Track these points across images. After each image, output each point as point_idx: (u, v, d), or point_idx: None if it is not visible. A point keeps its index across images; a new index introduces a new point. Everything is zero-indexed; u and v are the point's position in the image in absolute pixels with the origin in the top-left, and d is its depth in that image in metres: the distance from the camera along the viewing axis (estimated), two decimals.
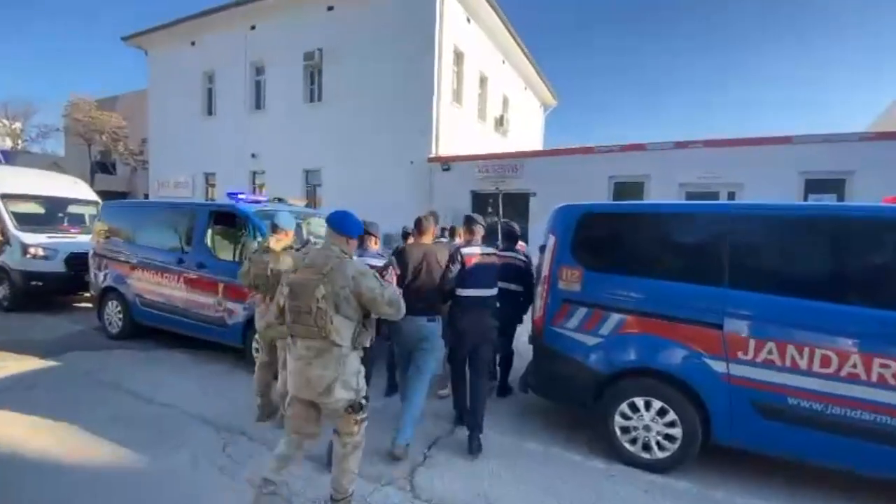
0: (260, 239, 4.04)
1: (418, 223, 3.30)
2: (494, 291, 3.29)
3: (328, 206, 13.11)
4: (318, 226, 5.86)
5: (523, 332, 4.10)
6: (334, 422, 2.19)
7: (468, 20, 13.62)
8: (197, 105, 16.68)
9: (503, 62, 16.48)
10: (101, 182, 23.84)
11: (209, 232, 5.02)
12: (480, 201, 11.50)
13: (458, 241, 4.57)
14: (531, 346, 3.64)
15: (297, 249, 3.50)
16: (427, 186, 12.12)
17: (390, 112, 12.59)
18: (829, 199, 8.52)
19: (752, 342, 2.78)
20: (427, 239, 3.27)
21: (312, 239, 4.11)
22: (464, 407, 3.31)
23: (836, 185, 8.75)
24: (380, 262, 3.31)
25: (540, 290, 3.41)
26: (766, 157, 9.01)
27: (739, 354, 2.80)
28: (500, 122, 16.05)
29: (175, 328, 5.27)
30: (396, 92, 12.49)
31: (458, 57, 13.50)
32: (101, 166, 25.06)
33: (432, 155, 12.04)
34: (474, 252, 3.22)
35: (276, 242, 3.33)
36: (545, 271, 3.37)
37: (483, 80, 15.22)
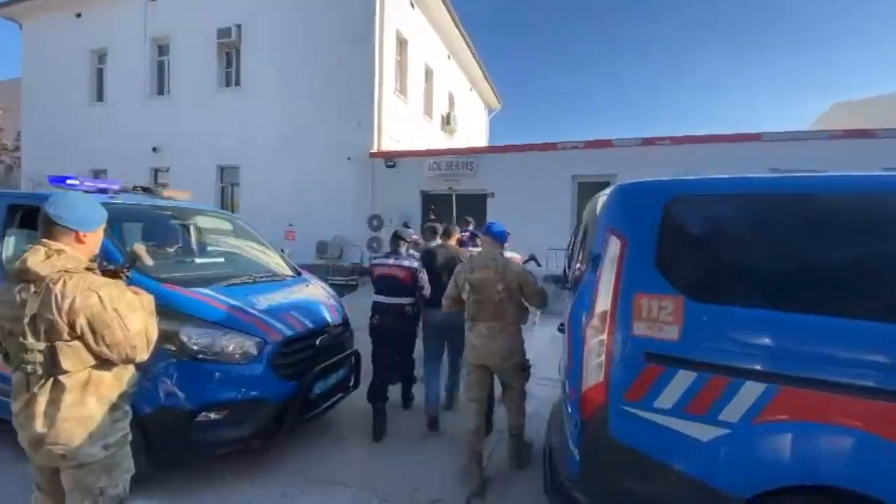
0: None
1: (446, 229, 3.76)
2: None
3: (249, 211, 10.94)
4: (216, 230, 3.94)
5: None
6: (504, 381, 2.79)
7: (412, 5, 12.08)
8: (83, 89, 13.57)
9: (448, 57, 15.13)
10: None
11: (6, 240, 2.94)
12: (432, 203, 9.92)
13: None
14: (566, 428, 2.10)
15: (116, 272, 1.65)
16: (368, 186, 10.32)
17: (323, 100, 10.66)
18: None
19: None
20: (452, 241, 3.67)
21: (144, 258, 1.94)
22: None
23: None
24: (414, 264, 3.36)
25: (592, 337, 1.85)
26: (737, 155, 8.30)
27: None
28: (446, 120, 14.63)
29: None
30: (331, 77, 10.61)
31: (402, 44, 11.89)
32: None
33: (374, 150, 10.28)
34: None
35: (45, 260, 1.47)
36: (603, 303, 1.82)
37: (428, 74, 13.74)
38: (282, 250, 4.21)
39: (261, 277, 3.28)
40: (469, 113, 17.85)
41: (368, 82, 10.32)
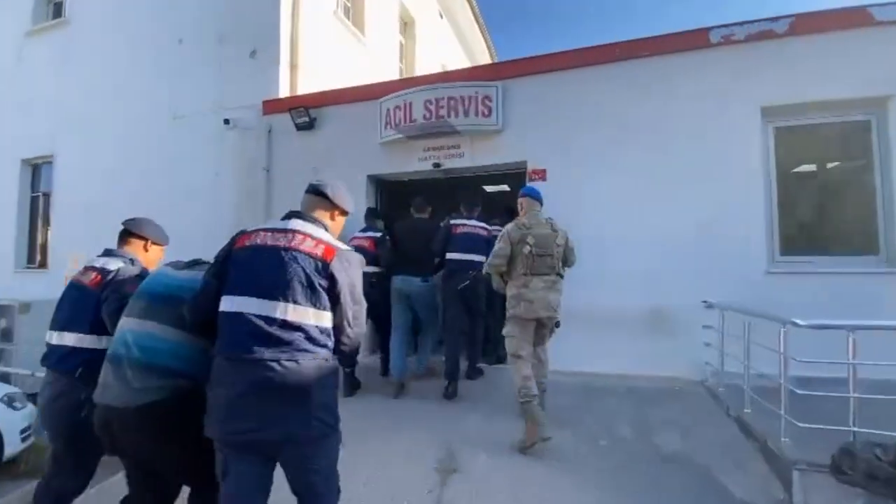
0: None
1: (418, 203, 3.50)
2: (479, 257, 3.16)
3: (70, 239, 5.27)
4: None
5: None
6: (540, 337, 2.67)
7: None
8: None
9: (441, 16, 9.85)
10: None
11: None
12: (395, 202, 4.17)
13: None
14: None
15: None
16: (261, 172, 4.57)
17: (193, 26, 5.20)
18: None
19: None
20: (421, 214, 3.47)
21: None
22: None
23: None
24: (378, 234, 3.42)
25: None
26: None
27: None
28: None
29: None
30: None
31: None
32: None
33: (277, 95, 4.63)
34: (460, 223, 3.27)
35: None
36: None
37: (407, 24, 8.38)
38: None
39: None
40: None
41: None
